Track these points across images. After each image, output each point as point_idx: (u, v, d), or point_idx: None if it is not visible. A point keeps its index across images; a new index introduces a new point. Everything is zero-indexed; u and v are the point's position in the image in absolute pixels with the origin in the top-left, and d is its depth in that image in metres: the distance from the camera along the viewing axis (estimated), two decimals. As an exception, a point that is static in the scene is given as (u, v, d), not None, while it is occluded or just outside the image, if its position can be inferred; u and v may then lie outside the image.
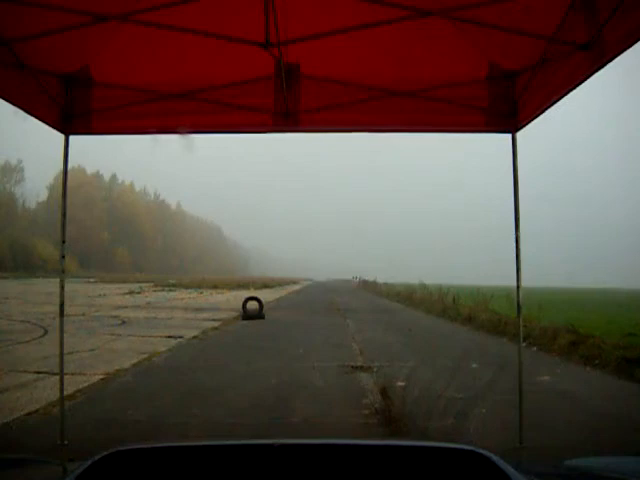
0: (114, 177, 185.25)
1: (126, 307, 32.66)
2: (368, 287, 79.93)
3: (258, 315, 26.36)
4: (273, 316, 28.05)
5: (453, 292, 33.45)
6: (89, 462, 2.24)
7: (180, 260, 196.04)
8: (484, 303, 26.93)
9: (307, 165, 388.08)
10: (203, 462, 2.36)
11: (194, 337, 18.92)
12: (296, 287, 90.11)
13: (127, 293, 50.73)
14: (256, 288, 73.98)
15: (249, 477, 2.34)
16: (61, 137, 6.15)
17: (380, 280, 79.78)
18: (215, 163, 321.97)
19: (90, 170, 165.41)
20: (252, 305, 27.53)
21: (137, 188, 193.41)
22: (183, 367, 13.37)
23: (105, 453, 2.30)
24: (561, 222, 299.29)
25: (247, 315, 26.30)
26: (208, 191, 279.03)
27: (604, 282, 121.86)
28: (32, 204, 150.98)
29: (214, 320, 25.17)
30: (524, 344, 7.54)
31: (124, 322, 23.69)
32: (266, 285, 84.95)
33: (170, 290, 61.70)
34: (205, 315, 28.02)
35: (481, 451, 2.35)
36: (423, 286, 45.41)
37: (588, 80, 4.69)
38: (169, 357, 14.94)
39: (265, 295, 55.71)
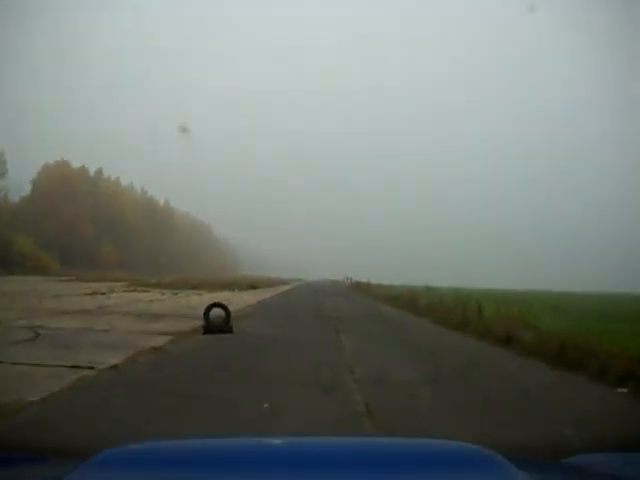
0: (99, 171, 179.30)
1: (68, 313, 26.11)
2: (361, 289, 74.17)
3: (223, 328, 20.05)
4: (247, 327, 22.06)
5: (474, 298, 27.28)
6: (89, 461, 2.28)
7: (169, 258, 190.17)
8: (519, 315, 20.84)
9: (302, 164, 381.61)
10: (203, 460, 2.37)
11: (112, 367, 12.56)
12: (285, 288, 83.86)
13: (91, 294, 44.45)
14: (241, 289, 68.65)
15: (249, 475, 2.26)
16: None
17: (373, 281, 75.44)
18: (203, 160, 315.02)
19: (75, 164, 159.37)
20: (219, 312, 21.25)
21: (124, 183, 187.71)
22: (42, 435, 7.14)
23: (105, 452, 2.34)
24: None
25: (210, 327, 19.99)
26: (198, 188, 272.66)
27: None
28: (15, 198, 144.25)
29: (165, 334, 18.86)
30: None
31: (38, 335, 17.35)
32: (253, 286, 78.59)
33: (144, 291, 55.64)
34: (158, 326, 21.68)
35: (482, 449, 2.41)
36: (428, 290, 39.16)
37: None
38: (40, 412, 8.67)
39: (248, 297, 50.05)
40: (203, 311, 21.43)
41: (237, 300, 44.27)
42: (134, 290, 55.15)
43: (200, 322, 21.28)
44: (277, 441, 2.50)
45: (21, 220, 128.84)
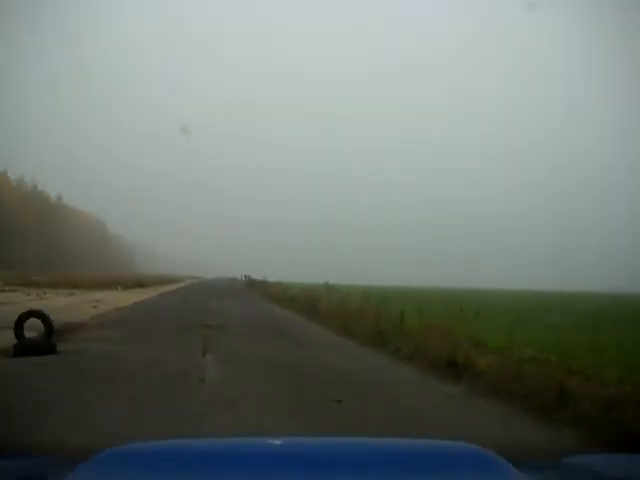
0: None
1: None
2: (256, 287, 68.63)
3: (42, 347, 14.36)
4: (91, 342, 16.69)
5: (390, 299, 21.89)
6: (89, 461, 2.25)
7: (59, 256, 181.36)
8: (457, 323, 15.48)
9: (206, 167, 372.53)
10: (203, 460, 2.34)
11: None
12: (175, 286, 78.12)
13: None
14: (126, 287, 62.80)
15: (250, 475, 2.22)
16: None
17: (271, 279, 69.68)
18: (101, 152, 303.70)
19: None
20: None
21: (12, 177, 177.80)
22: None
23: (106, 451, 2.31)
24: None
25: (22, 347, 14.28)
26: (94, 184, 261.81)
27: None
28: None
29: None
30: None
31: None
32: (140, 284, 72.64)
33: (12, 290, 48.93)
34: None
35: (482, 450, 2.38)
36: (329, 289, 33.88)
37: None
38: None
39: (127, 297, 44.53)
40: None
41: (111, 301, 38.81)
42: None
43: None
44: (277, 442, 2.49)
45: None
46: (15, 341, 14.58)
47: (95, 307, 31.40)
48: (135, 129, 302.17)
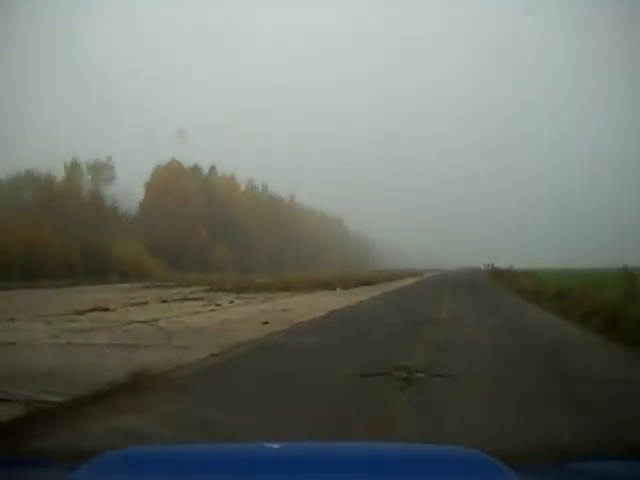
0: (213, 169, 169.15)
1: None
2: (501, 279, 56.50)
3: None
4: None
5: None
6: (89, 462, 2.28)
7: (292, 258, 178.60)
8: None
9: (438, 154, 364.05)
10: (202, 465, 2.37)
11: None
12: (406, 282, 67.83)
13: (88, 311, 28.83)
14: (347, 287, 53.25)
15: (248, 479, 2.26)
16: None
17: (517, 268, 60.81)
18: (332, 149, 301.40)
19: (187, 163, 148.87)
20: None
21: (243, 181, 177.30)
22: None
23: (106, 454, 2.34)
24: None
25: None
26: (329, 182, 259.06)
27: None
28: (129, 204, 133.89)
29: None
30: None
31: None
32: (366, 282, 63.15)
33: (199, 299, 39.80)
34: None
35: (482, 455, 2.37)
36: (628, 276, 20.81)
37: None
38: None
39: (333, 300, 35.36)
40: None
41: (303, 309, 28.65)
42: (184, 299, 39.25)
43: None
44: (276, 446, 2.50)
45: (132, 226, 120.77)
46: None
47: (266, 323, 20.53)
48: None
